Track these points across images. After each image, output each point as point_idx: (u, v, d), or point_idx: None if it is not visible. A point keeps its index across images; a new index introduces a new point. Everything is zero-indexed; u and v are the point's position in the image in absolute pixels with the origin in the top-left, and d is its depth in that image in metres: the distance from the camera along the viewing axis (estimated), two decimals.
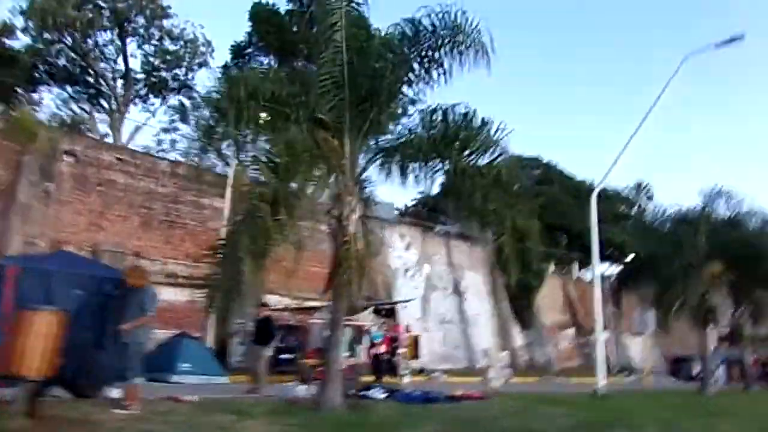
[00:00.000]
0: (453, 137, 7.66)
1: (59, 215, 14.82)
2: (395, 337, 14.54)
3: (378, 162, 7.91)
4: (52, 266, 9.39)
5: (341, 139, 7.49)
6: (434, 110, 7.89)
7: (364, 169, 8.02)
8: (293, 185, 6.53)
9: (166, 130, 23.45)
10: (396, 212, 31.47)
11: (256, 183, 5.89)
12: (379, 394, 8.89)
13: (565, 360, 33.16)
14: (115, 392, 6.67)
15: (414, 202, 31.63)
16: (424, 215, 28.30)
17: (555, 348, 32.74)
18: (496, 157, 7.80)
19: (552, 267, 35.87)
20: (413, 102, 8.38)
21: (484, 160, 7.86)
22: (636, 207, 42.55)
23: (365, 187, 8.37)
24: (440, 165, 8.06)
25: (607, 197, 42.72)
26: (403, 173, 8.05)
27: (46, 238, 14.05)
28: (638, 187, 47.33)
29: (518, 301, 30.84)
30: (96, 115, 23.30)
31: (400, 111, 8.01)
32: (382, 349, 12.81)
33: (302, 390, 8.20)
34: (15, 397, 5.00)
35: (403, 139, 7.57)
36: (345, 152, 7.45)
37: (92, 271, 9.86)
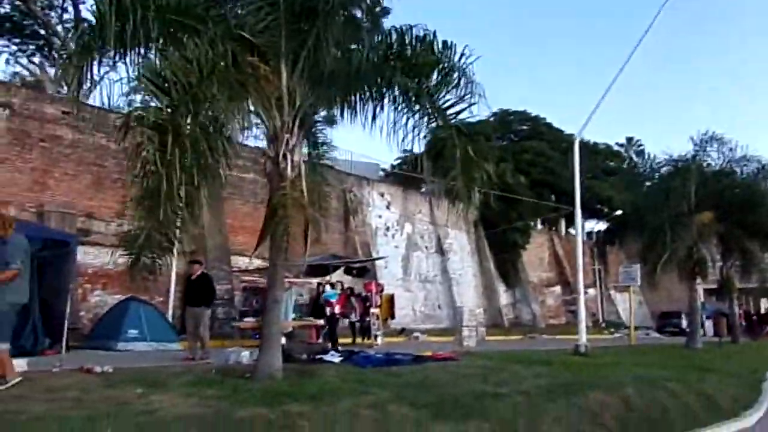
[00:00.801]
0: (409, 61, 6.51)
1: None
2: (367, 297, 13.72)
3: (322, 95, 6.77)
4: None
5: (276, 66, 6.34)
6: (388, 32, 6.75)
7: (309, 104, 6.88)
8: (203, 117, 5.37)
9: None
10: (381, 173, 30.40)
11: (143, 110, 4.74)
12: (334, 358, 8.05)
13: (552, 317, 32.86)
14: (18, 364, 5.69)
15: (398, 161, 30.54)
16: (407, 174, 27.24)
17: (541, 305, 32.35)
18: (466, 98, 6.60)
19: (539, 223, 35.18)
20: (362, 24, 7.16)
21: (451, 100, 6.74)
22: (626, 162, 41.73)
23: (310, 126, 7.29)
24: (404, 107, 6.91)
25: (597, 152, 41.82)
26: (352, 109, 6.92)
27: None
28: (628, 141, 46.46)
29: (504, 258, 30.23)
30: (49, 70, 21.65)
31: (347, 34, 6.79)
32: (337, 309, 11.93)
33: (245, 356, 7.32)
34: None
35: (352, 66, 6.37)
36: (280, 82, 6.31)
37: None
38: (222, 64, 5.44)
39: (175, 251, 11.34)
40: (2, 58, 21.18)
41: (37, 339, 8.94)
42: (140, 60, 5.69)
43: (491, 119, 31.60)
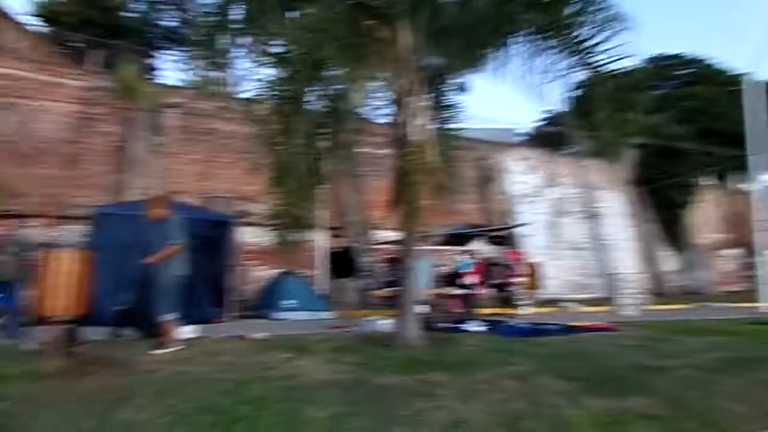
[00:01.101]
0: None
1: (170, 166, 15.47)
2: (510, 266, 13.18)
3: (444, 52, 6.44)
4: (137, 211, 9.56)
5: (395, 26, 6.14)
6: None
7: (431, 64, 6.61)
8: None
9: None
10: (518, 137, 29.02)
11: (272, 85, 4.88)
12: (476, 327, 7.81)
13: (726, 283, 28.89)
14: (186, 331, 6.40)
15: (538, 123, 28.85)
16: (549, 136, 25.59)
17: (713, 270, 28.57)
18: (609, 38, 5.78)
19: (708, 178, 30.91)
20: None
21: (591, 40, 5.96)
22: None
23: (436, 89, 7.01)
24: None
25: None
26: (479, 64, 6.48)
27: (159, 189, 14.74)
28: None
29: (666, 220, 27.13)
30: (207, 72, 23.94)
31: None
32: (472, 279, 11.56)
33: (385, 325, 7.41)
34: (54, 337, 4.77)
35: (471, 13, 5.92)
36: (400, 43, 6.11)
37: (183, 215, 9.93)
38: (340, 29, 5.39)
39: (319, 227, 11.99)
40: (170, 65, 23.93)
41: (206, 309, 10.03)
42: (262, 35, 5.88)
43: (646, 65, 28.23)
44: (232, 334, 6.70)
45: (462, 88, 7.87)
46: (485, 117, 21.22)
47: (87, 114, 15.22)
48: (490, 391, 4.40)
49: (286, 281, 11.91)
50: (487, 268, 12.48)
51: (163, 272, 5.89)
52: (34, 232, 11.45)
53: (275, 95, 4.86)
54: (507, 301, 12.95)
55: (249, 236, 15.35)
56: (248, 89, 6.85)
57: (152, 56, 23.80)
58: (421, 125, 6.25)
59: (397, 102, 6.25)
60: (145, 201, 6.24)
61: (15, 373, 4.11)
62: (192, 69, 7.55)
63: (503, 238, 14.89)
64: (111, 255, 9.33)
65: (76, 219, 12.17)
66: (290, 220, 7.05)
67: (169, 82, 21.26)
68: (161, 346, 5.63)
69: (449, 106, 7.88)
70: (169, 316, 5.86)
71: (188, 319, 9.06)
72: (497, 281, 13.08)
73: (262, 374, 4.58)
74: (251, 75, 6.54)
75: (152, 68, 23.30)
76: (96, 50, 22.41)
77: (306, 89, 5.06)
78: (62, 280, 4.40)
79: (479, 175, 21.73)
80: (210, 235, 10.48)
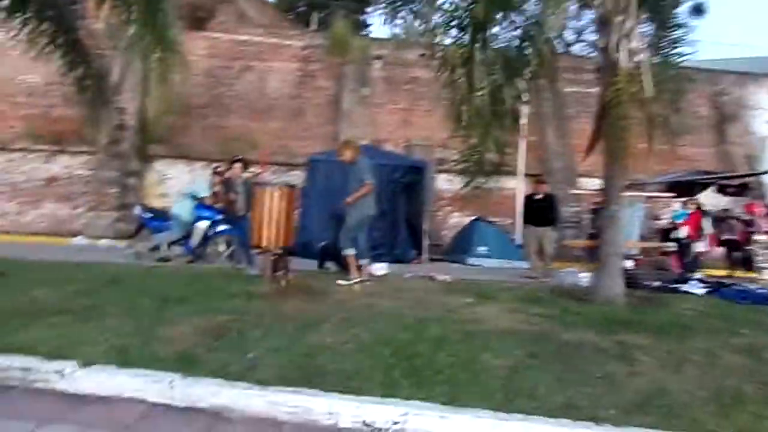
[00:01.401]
0: None
1: (376, 117, 16.29)
2: (749, 221, 10.89)
3: None
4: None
5: None
6: None
7: None
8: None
9: None
10: None
11: None
12: (695, 288, 6.67)
13: None
14: (375, 267, 6.76)
15: None
16: None
17: None
18: None
19: None
20: None
21: None
22: None
23: (654, 5, 5.88)
24: None
25: None
26: None
27: (367, 138, 15.70)
28: None
29: None
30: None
31: None
32: (685, 231, 9.73)
33: (583, 278, 6.79)
34: (267, 265, 5.43)
35: None
36: None
37: (383, 161, 10.44)
38: None
39: (516, 173, 11.43)
40: (378, 18, 25.00)
41: (405, 249, 10.52)
42: None
43: None
44: (423, 274, 6.86)
45: (698, 10, 6.50)
46: (732, 43, 17.40)
47: (306, 71, 16.81)
48: (705, 363, 3.71)
49: (480, 228, 11.83)
50: (700, 220, 10.44)
51: (354, 211, 6.23)
52: (265, 176, 13.28)
53: (462, 25, 4.58)
54: (745, 263, 10.83)
55: (445, 183, 15.54)
56: (444, 30, 6.70)
57: (364, 12, 25.07)
58: (634, 50, 5.33)
59: (604, 22, 5.40)
60: (337, 147, 6.63)
61: (235, 292, 4.82)
62: (394, 18, 7.64)
63: (743, 187, 12.33)
64: (320, 197, 10.34)
65: (298, 166, 13.75)
66: (482, 166, 6.85)
67: (376, 35, 22.25)
68: (345, 277, 6.01)
69: (674, 27, 6.59)
70: (350, 251, 6.18)
71: (388, 258, 9.67)
72: (733, 238, 10.98)
73: (443, 315, 4.58)
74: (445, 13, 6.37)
75: (362, 24, 24.60)
76: (316, 10, 24.42)
77: (497, 15, 4.66)
78: (271, 215, 4.95)
79: (718, 112, 18.23)
80: (407, 180, 10.89)
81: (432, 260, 10.91)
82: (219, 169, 7.89)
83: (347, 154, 6.35)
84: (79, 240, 12.43)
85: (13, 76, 15.19)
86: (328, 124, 16.04)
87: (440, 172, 14.13)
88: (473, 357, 3.72)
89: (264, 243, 5.05)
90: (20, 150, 15.12)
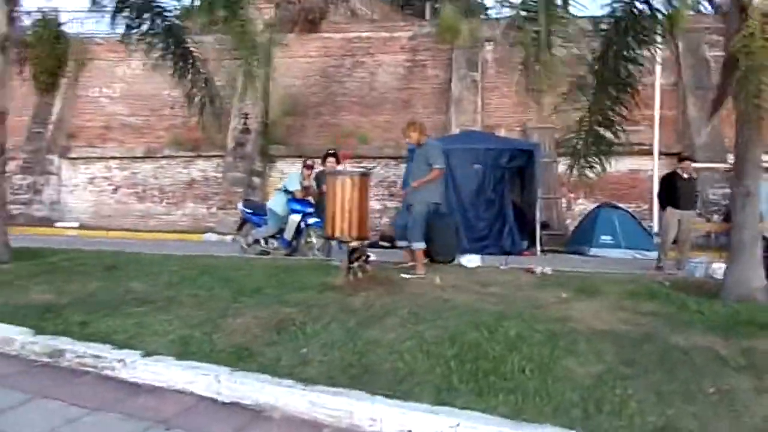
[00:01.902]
0: None
1: (489, 102, 15.54)
2: None
3: None
4: (454, 145, 9.88)
5: None
6: None
7: None
8: None
9: None
10: None
11: None
12: None
13: None
14: (466, 259, 6.31)
15: None
16: None
17: None
18: None
19: None
20: None
21: None
22: None
23: None
24: None
25: None
26: None
27: (478, 124, 15.04)
28: None
29: None
30: None
31: None
32: None
33: (717, 269, 5.69)
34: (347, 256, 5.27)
35: None
36: None
37: (487, 145, 9.84)
38: None
39: (646, 152, 10.16)
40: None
41: (513, 240, 9.81)
42: None
43: None
44: (522, 266, 6.26)
45: None
46: None
47: (415, 61, 16.57)
48: None
49: (604, 215, 10.64)
50: None
51: (418, 197, 5.81)
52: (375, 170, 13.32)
53: None
54: None
55: (566, 168, 14.32)
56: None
57: None
58: None
59: None
60: (402, 129, 6.20)
61: (310, 284, 4.74)
62: None
63: None
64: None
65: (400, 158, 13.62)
66: (596, 144, 6.13)
67: (485, 16, 21.33)
68: (409, 271, 5.57)
69: None
70: (420, 245, 5.75)
71: (494, 249, 9.10)
72: None
73: (528, 312, 4.06)
74: None
75: (472, 7, 23.72)
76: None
77: None
78: (344, 205, 4.78)
79: None
80: (515, 166, 10.16)
81: (546, 252, 10.07)
82: (308, 163, 7.98)
83: (413, 136, 5.94)
84: (209, 236, 13.52)
85: (158, 93, 17.03)
86: (438, 113, 15.66)
87: (562, 155, 13.05)
88: (553, 362, 3.21)
89: (337, 233, 4.89)
90: (166, 157, 16.91)
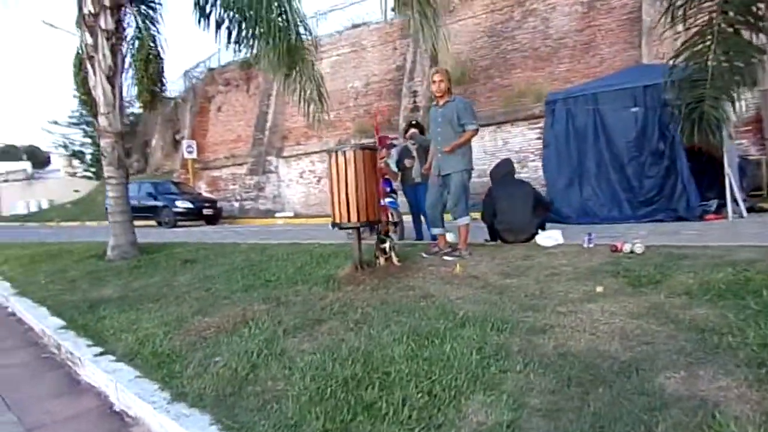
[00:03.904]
0: None
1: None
2: None
3: None
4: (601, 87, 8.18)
5: None
6: None
7: None
8: None
9: None
10: None
11: None
12: None
13: None
14: (542, 237, 4.99)
15: None
16: None
17: None
18: None
19: None
20: None
21: None
22: None
23: None
24: None
25: None
26: None
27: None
28: None
29: None
30: None
31: None
32: None
33: None
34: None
35: None
36: None
37: (652, 80, 7.71)
38: None
39: None
40: None
41: (690, 204, 7.44)
42: None
43: None
44: (610, 243, 4.63)
45: None
46: None
47: None
48: None
49: None
50: None
51: (452, 164, 4.70)
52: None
53: None
54: None
55: None
56: None
57: None
58: None
59: None
60: (430, 74, 4.99)
61: (313, 277, 4.37)
62: None
63: None
64: (561, 145, 8.45)
65: None
66: None
67: None
68: (451, 254, 4.67)
69: None
70: (465, 220, 4.68)
71: (664, 214, 7.21)
72: None
73: (514, 317, 2.97)
74: None
75: None
76: None
77: None
78: (339, 186, 4.20)
79: None
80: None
81: (753, 211, 7.43)
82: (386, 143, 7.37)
83: (443, 87, 4.80)
84: None
85: (344, 87, 18.20)
86: (629, 48, 12.97)
87: None
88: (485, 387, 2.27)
89: (336, 220, 4.33)
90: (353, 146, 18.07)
